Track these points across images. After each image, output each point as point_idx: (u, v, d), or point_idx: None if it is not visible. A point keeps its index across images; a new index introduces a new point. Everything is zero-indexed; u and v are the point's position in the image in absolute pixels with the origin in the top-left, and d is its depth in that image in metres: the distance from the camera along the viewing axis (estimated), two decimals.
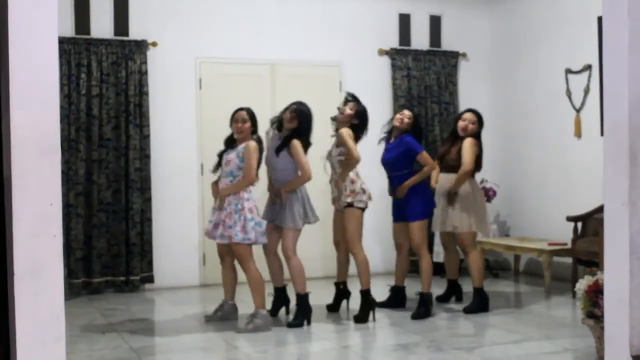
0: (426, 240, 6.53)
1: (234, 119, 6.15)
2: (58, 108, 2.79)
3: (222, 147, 6.28)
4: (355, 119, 6.38)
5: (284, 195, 6.08)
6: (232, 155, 6.04)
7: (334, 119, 6.52)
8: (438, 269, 7.85)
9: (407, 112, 6.65)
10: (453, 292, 7.07)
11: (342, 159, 6.30)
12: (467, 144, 6.59)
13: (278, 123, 6.30)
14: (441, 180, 6.70)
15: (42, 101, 2.73)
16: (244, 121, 6.08)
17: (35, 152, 2.70)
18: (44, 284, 2.72)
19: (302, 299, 6.13)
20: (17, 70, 2.68)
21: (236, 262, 6.17)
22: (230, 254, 6.14)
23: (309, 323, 6.10)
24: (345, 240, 6.37)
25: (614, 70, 3.36)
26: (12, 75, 2.68)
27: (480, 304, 6.55)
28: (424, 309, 6.35)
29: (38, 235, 2.71)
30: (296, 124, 6.13)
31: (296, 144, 6.06)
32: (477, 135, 6.69)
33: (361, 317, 6.20)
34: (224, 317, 6.29)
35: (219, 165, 6.22)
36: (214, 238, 6.02)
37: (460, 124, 6.70)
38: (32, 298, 2.71)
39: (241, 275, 6.25)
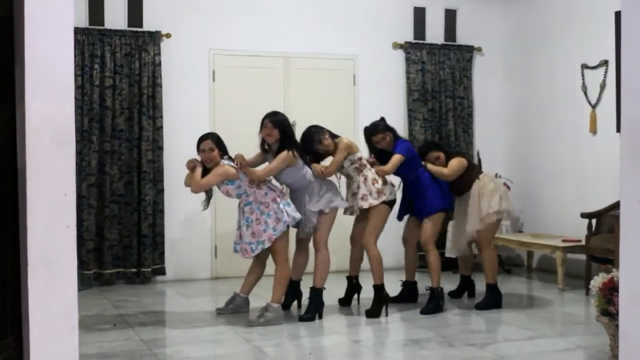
0: (436, 236, 6.50)
1: (200, 149, 5.94)
2: (73, 99, 2.78)
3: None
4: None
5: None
6: (223, 187, 5.96)
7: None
8: (451, 265, 7.83)
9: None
10: (466, 288, 7.04)
11: (357, 167, 6.29)
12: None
13: (262, 145, 6.17)
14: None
15: (57, 92, 2.72)
16: (211, 150, 5.89)
17: (50, 143, 2.70)
18: (57, 275, 2.72)
19: (317, 293, 6.12)
20: (33, 62, 2.68)
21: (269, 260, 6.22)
22: (266, 253, 6.13)
23: (320, 317, 6.09)
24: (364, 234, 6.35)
25: (631, 65, 3.32)
26: (27, 67, 2.67)
27: (493, 301, 6.51)
28: (433, 305, 6.33)
29: (52, 226, 2.71)
30: (278, 135, 5.99)
31: (282, 156, 5.91)
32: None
33: (373, 312, 6.18)
34: (235, 309, 6.29)
35: (208, 199, 6.16)
36: (254, 252, 5.98)
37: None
38: (45, 289, 2.71)
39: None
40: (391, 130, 6.47)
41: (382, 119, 6.53)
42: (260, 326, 5.82)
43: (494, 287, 6.56)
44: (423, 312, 6.28)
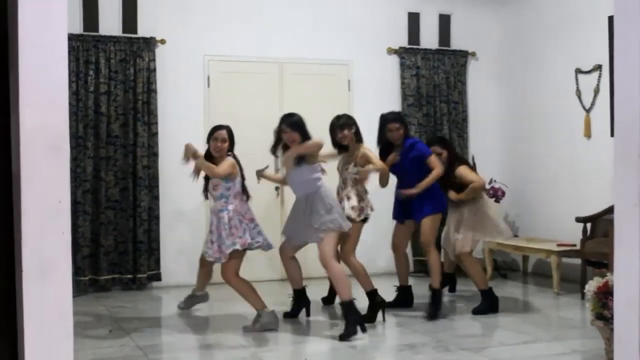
0: (435, 237, 6.51)
1: (213, 137, 5.95)
2: (67, 106, 2.78)
3: None
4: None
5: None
6: (216, 179, 5.87)
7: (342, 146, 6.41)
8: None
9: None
10: (447, 283, 7.14)
11: (357, 177, 6.22)
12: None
13: (284, 148, 6.06)
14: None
15: (51, 99, 2.72)
16: (223, 140, 5.91)
17: (44, 149, 2.70)
18: (52, 281, 2.72)
19: (346, 306, 5.73)
20: (27, 68, 2.68)
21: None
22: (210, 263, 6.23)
23: (363, 330, 5.70)
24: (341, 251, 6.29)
25: (625, 70, 3.33)
26: (21, 73, 2.67)
27: (489, 305, 6.52)
28: (434, 309, 6.32)
29: (46, 232, 2.70)
30: (299, 137, 5.90)
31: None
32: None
33: (368, 317, 6.16)
34: (194, 303, 6.47)
35: (206, 190, 6.08)
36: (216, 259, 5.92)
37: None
38: (40, 295, 2.70)
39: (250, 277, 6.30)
40: (406, 126, 6.60)
41: (400, 113, 6.78)
42: (255, 332, 5.81)
43: (487, 292, 6.56)
44: (429, 318, 6.24)
